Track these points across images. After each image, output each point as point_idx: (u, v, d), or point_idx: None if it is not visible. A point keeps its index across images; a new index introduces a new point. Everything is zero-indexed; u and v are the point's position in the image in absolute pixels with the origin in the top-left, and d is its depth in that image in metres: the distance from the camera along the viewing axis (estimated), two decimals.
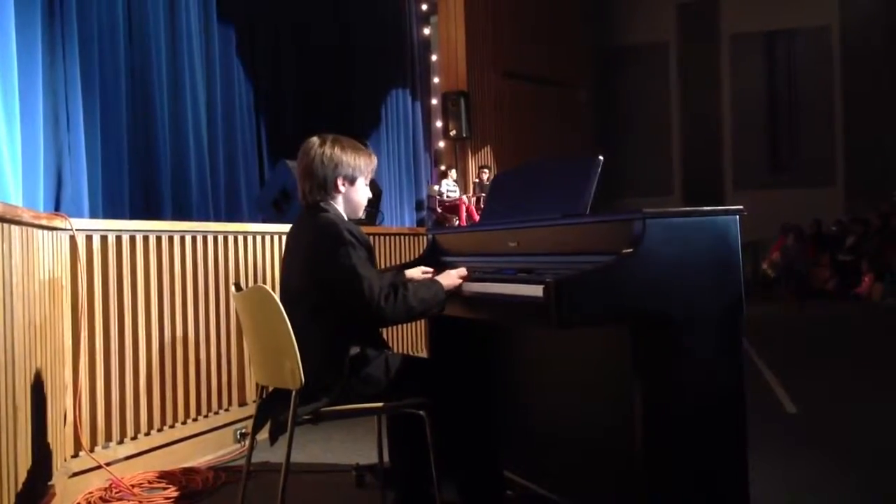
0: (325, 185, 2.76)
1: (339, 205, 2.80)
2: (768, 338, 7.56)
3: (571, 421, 2.93)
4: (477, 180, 12.32)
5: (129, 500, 3.32)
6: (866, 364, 6.46)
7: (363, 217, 2.98)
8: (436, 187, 12.50)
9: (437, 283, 2.76)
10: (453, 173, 12.24)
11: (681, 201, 16.41)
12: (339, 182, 2.77)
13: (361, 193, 2.86)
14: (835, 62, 16.13)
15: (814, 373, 6.05)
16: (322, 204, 2.75)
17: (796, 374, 5.77)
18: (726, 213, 2.40)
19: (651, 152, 16.74)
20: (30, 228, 2.84)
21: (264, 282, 4.50)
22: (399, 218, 12.17)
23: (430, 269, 3.10)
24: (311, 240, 2.68)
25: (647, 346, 2.30)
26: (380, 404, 2.67)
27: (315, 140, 2.81)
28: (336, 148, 2.78)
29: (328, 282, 2.60)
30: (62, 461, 3.26)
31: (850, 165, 15.87)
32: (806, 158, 16.18)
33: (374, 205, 8.46)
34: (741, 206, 2.43)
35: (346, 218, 2.77)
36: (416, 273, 3.10)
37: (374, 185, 8.59)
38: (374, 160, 2.92)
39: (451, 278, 2.80)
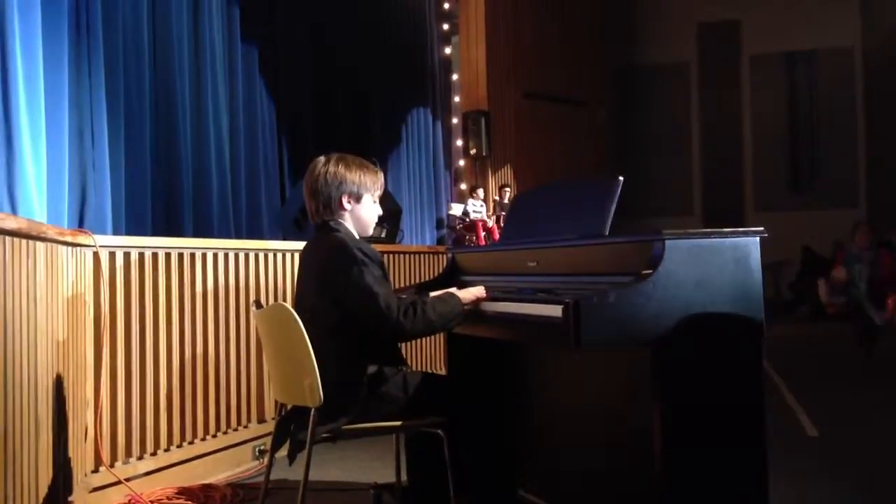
0: (330, 204, 2.77)
1: (348, 223, 2.80)
2: (789, 359, 7.49)
3: (586, 440, 2.91)
4: (498, 198, 12.32)
5: None
6: (889, 387, 6.38)
7: (382, 235, 3.00)
8: (458, 206, 12.45)
9: (455, 296, 2.77)
10: (480, 193, 12.21)
11: (701, 222, 16.32)
12: (344, 200, 2.78)
13: (369, 211, 2.86)
14: (857, 83, 16.05)
15: (836, 395, 5.99)
16: (331, 223, 2.76)
17: (818, 397, 5.72)
18: (747, 234, 2.40)
19: (671, 172, 16.68)
20: (54, 245, 2.88)
21: (284, 299, 4.52)
22: (420, 236, 12.19)
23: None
24: (323, 261, 2.68)
25: (666, 368, 2.29)
26: (398, 423, 2.67)
27: (321, 159, 2.83)
28: (340, 166, 2.79)
29: (345, 302, 2.61)
30: (82, 476, 3.27)
31: (872, 187, 15.73)
32: (828, 179, 16.06)
33: (394, 223, 8.49)
34: (762, 228, 2.43)
35: (356, 236, 2.78)
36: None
37: (394, 204, 8.64)
38: (381, 177, 2.92)
39: (469, 293, 2.81)
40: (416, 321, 2.60)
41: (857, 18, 15.94)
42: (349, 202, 2.80)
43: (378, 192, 2.90)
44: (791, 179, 16.52)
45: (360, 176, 2.81)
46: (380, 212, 2.94)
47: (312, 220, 2.84)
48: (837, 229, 14.23)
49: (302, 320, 2.57)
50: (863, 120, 15.98)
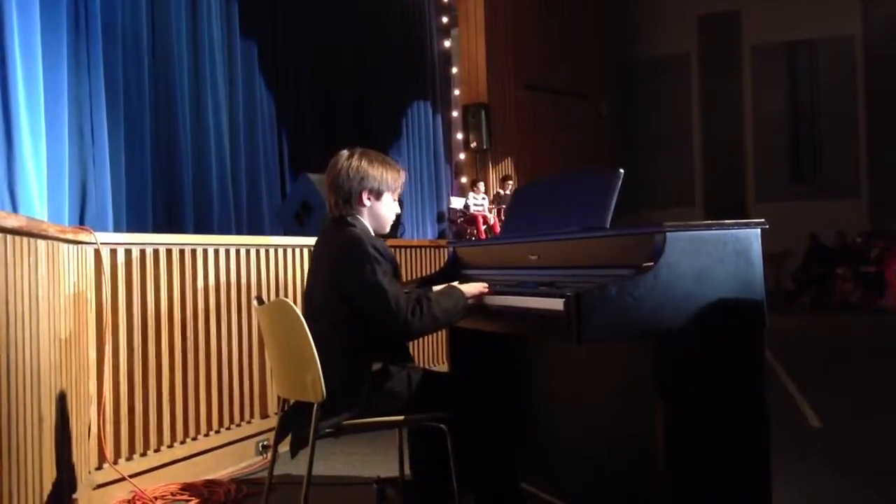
0: (349, 198, 2.75)
1: (366, 219, 2.79)
2: (792, 350, 7.49)
3: (589, 433, 2.92)
4: (499, 191, 12.31)
5: None
6: (891, 378, 6.38)
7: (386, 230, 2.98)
8: (459, 200, 12.44)
9: (458, 289, 2.76)
10: (481, 186, 12.19)
11: (702, 213, 16.31)
12: (365, 195, 2.76)
13: (388, 208, 2.84)
14: (858, 72, 16.01)
15: (839, 386, 5.99)
16: (349, 218, 2.74)
17: (821, 388, 5.71)
18: (748, 226, 2.39)
19: (672, 164, 16.67)
20: (55, 242, 2.87)
21: (286, 295, 4.52)
22: (421, 230, 12.19)
23: None
24: (336, 255, 2.67)
25: (668, 361, 2.28)
26: (401, 417, 2.67)
27: (344, 153, 2.80)
28: (363, 161, 2.77)
29: (354, 298, 2.60)
30: (86, 473, 3.28)
31: (874, 177, 15.70)
32: (829, 170, 16.03)
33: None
34: (763, 220, 2.42)
35: (372, 233, 2.77)
36: None
37: None
38: (403, 175, 2.89)
39: (471, 286, 2.80)
40: (423, 319, 2.59)
41: (858, 7, 15.90)
42: (369, 198, 2.78)
43: (399, 192, 2.88)
44: (792, 170, 16.49)
45: (382, 173, 2.79)
46: (398, 210, 2.91)
47: (330, 213, 2.82)
48: (839, 220, 14.26)
49: (308, 314, 2.57)
50: (864, 109, 15.94)
